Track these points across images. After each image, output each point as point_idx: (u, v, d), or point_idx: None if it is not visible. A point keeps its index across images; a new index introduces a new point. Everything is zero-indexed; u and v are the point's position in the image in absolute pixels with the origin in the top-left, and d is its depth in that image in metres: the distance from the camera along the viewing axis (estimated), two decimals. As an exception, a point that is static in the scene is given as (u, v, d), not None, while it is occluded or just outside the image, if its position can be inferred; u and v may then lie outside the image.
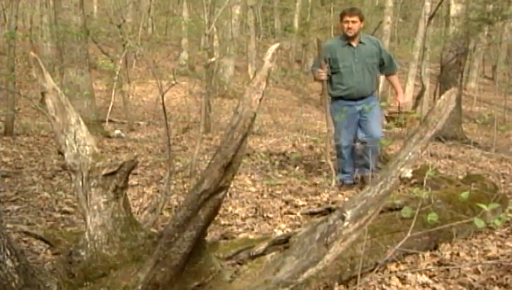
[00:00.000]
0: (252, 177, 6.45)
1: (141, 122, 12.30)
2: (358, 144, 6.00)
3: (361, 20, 5.85)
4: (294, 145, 9.30)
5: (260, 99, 1.92)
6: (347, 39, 5.88)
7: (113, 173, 2.39)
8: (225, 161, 1.94)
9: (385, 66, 6.05)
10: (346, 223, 2.09)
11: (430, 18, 11.02)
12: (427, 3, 15.95)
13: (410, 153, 2.12)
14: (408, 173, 2.12)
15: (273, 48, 2.01)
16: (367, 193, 2.11)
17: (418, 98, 11.00)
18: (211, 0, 10.44)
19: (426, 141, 2.16)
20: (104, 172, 2.39)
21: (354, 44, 5.87)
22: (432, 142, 10.38)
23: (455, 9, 11.75)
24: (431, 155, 8.75)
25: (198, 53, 15.26)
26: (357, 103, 5.91)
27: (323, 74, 5.84)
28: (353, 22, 5.76)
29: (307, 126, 13.33)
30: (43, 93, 2.58)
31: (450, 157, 8.90)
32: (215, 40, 17.17)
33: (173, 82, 4.60)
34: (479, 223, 2.48)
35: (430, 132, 2.19)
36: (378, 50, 5.96)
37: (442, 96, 2.30)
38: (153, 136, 10.39)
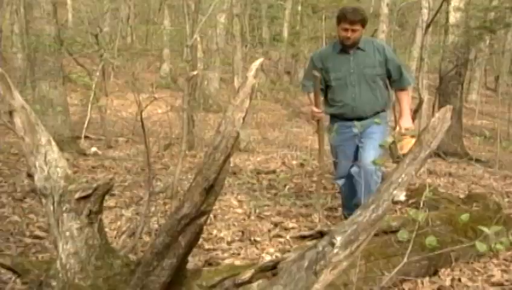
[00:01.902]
0: (239, 197, 6.44)
1: (120, 139, 12.27)
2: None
3: (364, 26, 5.04)
4: (283, 162, 9.30)
5: (243, 118, 1.93)
6: (342, 45, 5.13)
7: (86, 197, 2.38)
8: (207, 183, 1.94)
9: (392, 78, 5.22)
10: (336, 250, 2.09)
11: (428, 26, 11.11)
12: (425, 11, 16.09)
13: (403, 175, 2.13)
14: (401, 196, 2.12)
15: (256, 63, 2.02)
16: (358, 218, 2.12)
17: (415, 112, 11.02)
18: (194, 7, 10.49)
19: (421, 161, 2.18)
20: (77, 196, 2.38)
21: (350, 51, 5.12)
22: (431, 159, 10.45)
23: (454, 17, 11.85)
24: (430, 173, 8.77)
25: (180, 65, 15.27)
26: (353, 124, 5.09)
27: (318, 114, 5.21)
28: (353, 30, 4.98)
29: (297, 142, 13.35)
30: (10, 112, 2.57)
31: (450, 174, 8.93)
32: (199, 51, 17.21)
33: (154, 96, 4.60)
34: (481, 247, 2.49)
35: (425, 152, 2.20)
36: (383, 58, 5.12)
37: (437, 114, 2.32)
38: (132, 153, 10.35)
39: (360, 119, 5.15)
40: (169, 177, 7.33)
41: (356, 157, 5.24)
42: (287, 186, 7.06)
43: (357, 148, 5.25)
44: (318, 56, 5.32)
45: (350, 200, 5.37)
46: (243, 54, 17.49)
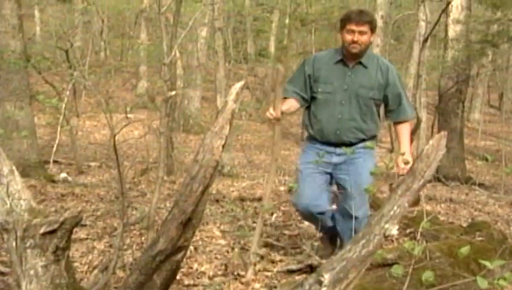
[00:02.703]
0: (221, 227, 6.43)
1: (92, 164, 12.21)
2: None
3: (373, 31, 4.71)
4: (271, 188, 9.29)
5: (223, 146, 1.93)
6: (343, 55, 4.79)
7: (53, 232, 2.37)
8: (183, 216, 1.94)
9: (389, 107, 4.87)
10: (324, 289, 2.09)
11: (425, 40, 11.21)
12: (422, 23, 16.24)
13: (395, 207, 2.14)
14: (394, 230, 2.13)
15: (237, 86, 2.03)
16: (347, 254, 2.12)
17: (412, 133, 11.07)
18: (173, 20, 10.51)
19: (413, 192, 2.19)
20: (42, 230, 2.36)
21: (349, 63, 4.77)
22: (431, 184, 10.49)
23: (454, 30, 11.95)
24: (429, 199, 8.80)
25: (158, 85, 15.30)
26: (335, 151, 4.78)
27: (275, 113, 4.58)
28: (361, 32, 4.62)
29: (286, 165, 13.34)
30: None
31: (451, 200, 8.96)
32: (179, 68, 17.25)
33: (129, 118, 4.59)
34: (482, 283, 2.48)
35: (418, 182, 2.21)
36: (384, 81, 4.76)
37: (431, 142, 2.34)
38: (105, 179, 10.31)
39: (342, 146, 4.70)
40: (146, 205, 7.30)
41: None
42: (274, 215, 7.05)
43: (330, 178, 4.90)
44: (312, 61, 4.91)
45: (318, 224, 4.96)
46: (226, 70, 17.52)
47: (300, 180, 4.86)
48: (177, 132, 13.21)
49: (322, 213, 4.88)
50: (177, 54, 16.19)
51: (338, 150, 4.77)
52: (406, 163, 4.58)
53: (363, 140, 4.80)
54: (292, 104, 4.86)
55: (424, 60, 13.72)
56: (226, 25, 21.95)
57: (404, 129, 4.92)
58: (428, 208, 8.08)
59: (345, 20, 4.71)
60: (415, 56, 17.22)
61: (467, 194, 9.87)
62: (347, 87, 4.74)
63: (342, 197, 4.86)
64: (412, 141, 11.37)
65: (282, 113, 4.66)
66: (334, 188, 5.05)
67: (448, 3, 11.30)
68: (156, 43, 19.48)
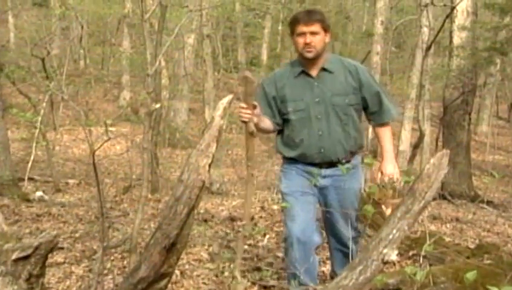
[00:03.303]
0: (210, 249, 6.41)
1: (70, 181, 12.18)
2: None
3: (327, 30, 4.51)
4: (263, 207, 9.27)
5: (210, 165, 1.93)
6: (302, 65, 4.57)
7: (26, 257, 2.35)
8: (167, 241, 1.92)
9: (369, 110, 4.66)
10: (320, 319, 2.08)
11: (428, 48, 11.20)
12: (425, 30, 16.23)
13: (394, 231, 2.13)
14: (393, 255, 2.12)
15: (224, 101, 2.03)
16: (343, 281, 2.11)
17: (415, 147, 11.10)
18: (158, 27, 10.52)
19: (414, 215, 2.18)
20: (14, 256, 2.35)
21: (313, 73, 4.55)
22: (435, 202, 10.50)
23: (459, 37, 11.99)
24: (434, 218, 8.80)
25: (140, 98, 15.28)
26: (320, 172, 4.58)
27: (247, 113, 4.04)
28: (312, 33, 4.43)
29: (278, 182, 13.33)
30: None
31: (457, 220, 8.96)
32: (164, 77, 17.25)
33: (110, 131, 4.58)
34: (490, 310, 2.47)
35: (419, 204, 2.21)
36: (357, 83, 4.57)
37: (432, 160, 2.34)
38: (85, 198, 10.28)
39: (329, 164, 4.57)
40: (128, 226, 7.28)
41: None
42: (267, 236, 7.04)
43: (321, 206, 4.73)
44: (271, 82, 4.66)
45: (299, 267, 4.53)
46: (215, 80, 17.57)
47: (287, 210, 4.62)
48: (162, 146, 13.23)
49: (315, 244, 4.65)
50: (162, 63, 16.20)
51: (324, 171, 4.58)
52: (391, 171, 4.54)
53: (351, 153, 4.63)
54: (267, 122, 4.59)
55: (427, 69, 13.74)
56: (214, 31, 22.03)
57: (388, 131, 4.72)
58: (432, 228, 8.08)
59: (293, 23, 4.50)
60: (418, 65, 17.19)
61: (474, 213, 9.87)
62: (319, 100, 4.51)
63: (331, 220, 4.74)
64: (415, 155, 11.46)
65: (256, 126, 4.14)
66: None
67: (453, 8, 11.32)
68: (140, 51, 19.50)
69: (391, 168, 4.56)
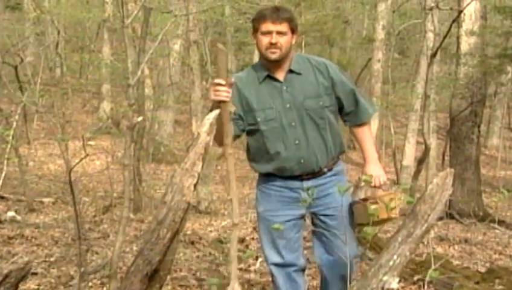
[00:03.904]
0: (197, 274, 6.40)
1: (45, 200, 12.13)
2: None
3: (294, 31, 4.40)
4: (255, 228, 9.26)
5: (195, 185, 1.92)
6: (267, 68, 4.43)
7: (-5, 285, 2.34)
8: (149, 267, 1.91)
9: (345, 110, 4.57)
10: None
11: (434, 55, 11.25)
12: (430, 35, 16.33)
13: (395, 257, 2.12)
14: (394, 283, 2.12)
15: (211, 116, 2.02)
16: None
17: (420, 163, 11.13)
18: (141, 32, 10.53)
19: (416, 239, 2.18)
20: (-19, 284, 2.33)
21: (279, 76, 4.42)
22: (442, 221, 10.49)
23: (467, 43, 12.02)
24: (441, 239, 8.81)
25: (122, 109, 15.25)
26: (302, 185, 4.45)
27: (224, 91, 3.91)
28: (280, 33, 4.30)
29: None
30: None
31: (466, 241, 8.96)
32: (148, 87, 17.24)
33: (89, 145, 4.58)
34: None
35: (421, 227, 2.21)
36: (329, 82, 4.47)
37: (435, 180, 2.33)
38: (61, 218, 10.24)
39: (311, 175, 4.47)
40: (108, 249, 7.26)
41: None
42: (260, 259, 7.02)
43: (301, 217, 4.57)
44: (234, 88, 4.27)
45: None
46: (203, 90, 17.56)
47: (266, 233, 4.55)
48: (145, 162, 13.18)
49: (300, 268, 4.60)
50: (146, 72, 16.21)
51: (306, 184, 4.44)
52: (376, 174, 4.41)
53: (333, 159, 4.52)
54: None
55: (432, 78, 13.80)
56: (202, 37, 22.01)
57: (367, 131, 4.64)
58: (439, 250, 8.09)
59: (259, 20, 4.35)
60: (422, 73, 17.23)
61: (484, 234, 9.88)
62: (290, 105, 4.38)
63: (324, 240, 4.55)
64: (419, 171, 11.47)
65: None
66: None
67: (460, 12, 11.37)
68: (122, 58, 19.45)
69: (376, 170, 4.47)
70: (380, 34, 18.84)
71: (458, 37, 12.23)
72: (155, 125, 18.75)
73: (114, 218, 9.94)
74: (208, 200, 11.67)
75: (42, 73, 17.78)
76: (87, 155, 3.91)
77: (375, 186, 4.37)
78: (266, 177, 4.55)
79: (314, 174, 4.45)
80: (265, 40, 4.30)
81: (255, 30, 4.38)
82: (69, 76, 25.09)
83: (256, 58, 25.70)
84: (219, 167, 16.01)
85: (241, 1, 16.26)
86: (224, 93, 3.87)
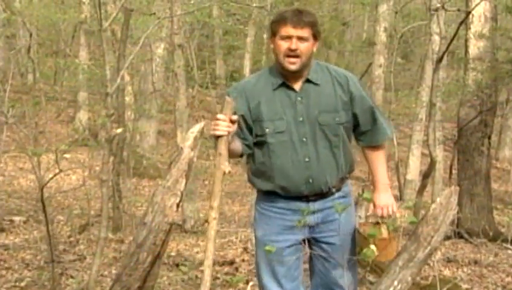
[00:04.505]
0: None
1: (16, 219, 12.09)
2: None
3: (317, 38, 4.34)
4: (246, 249, 9.26)
5: (178, 204, 1.91)
6: (283, 76, 4.36)
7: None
8: (128, 295, 1.90)
9: (360, 129, 4.50)
10: None
11: (440, 60, 11.25)
12: (436, 38, 16.34)
13: (395, 282, 2.12)
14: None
15: (195, 129, 2.01)
16: None
17: (425, 177, 11.12)
18: (121, 35, 10.52)
19: (418, 263, 2.18)
20: None
21: (295, 85, 4.36)
22: (450, 241, 10.49)
23: (476, 46, 12.01)
24: (448, 261, 8.80)
25: (100, 120, 15.20)
26: (309, 207, 4.37)
27: (224, 125, 3.94)
28: (301, 39, 4.23)
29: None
30: None
31: (476, 263, 8.96)
32: (128, 94, 17.21)
33: (64, 161, 4.56)
34: None
35: (423, 250, 2.20)
36: (348, 96, 4.40)
37: (438, 199, 2.33)
38: (33, 239, 10.21)
39: (318, 196, 4.40)
40: (85, 272, 7.23)
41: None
42: (251, 283, 7.01)
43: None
44: (241, 95, 4.36)
45: None
46: (189, 97, 17.56)
47: (264, 261, 4.46)
48: (126, 176, 13.15)
49: None
50: (126, 78, 16.19)
51: (313, 206, 4.37)
52: (386, 202, 4.36)
53: (342, 179, 4.46)
54: (237, 143, 4.30)
55: (438, 84, 13.81)
56: (188, 40, 22.03)
57: (381, 155, 4.57)
58: (446, 272, 8.08)
59: (278, 23, 4.27)
60: (428, 79, 17.25)
61: (496, 255, 9.88)
62: (303, 118, 4.31)
63: (322, 270, 4.49)
64: (425, 186, 11.48)
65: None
66: None
67: (468, 13, 11.36)
68: (100, 64, 19.45)
69: (386, 200, 4.40)
70: (382, 37, 18.85)
71: (466, 40, 12.21)
72: (136, 137, 18.76)
73: (91, 238, 9.91)
74: (194, 219, 11.66)
75: (13, 79, 17.73)
76: (61, 171, 3.90)
77: (382, 216, 4.33)
78: (267, 197, 4.47)
79: (322, 195, 4.38)
80: (284, 46, 4.22)
81: (273, 34, 4.30)
82: (42, 83, 25.01)
83: (246, 62, 25.79)
84: (206, 182, 16.00)
85: (231, 1, 16.24)
86: (223, 128, 3.87)
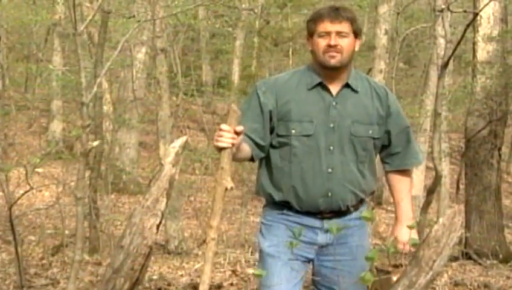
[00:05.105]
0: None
1: (-18, 239, 12.09)
2: None
3: (357, 35, 4.31)
4: (234, 272, 9.24)
5: (158, 225, 1.89)
6: (320, 75, 4.31)
7: None
8: (104, 326, 1.88)
9: (391, 150, 4.49)
10: None
11: (445, 65, 11.20)
12: (441, 41, 16.30)
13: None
14: None
15: (176, 144, 2.00)
16: None
17: (430, 193, 11.09)
18: (98, 38, 10.50)
19: None
20: None
21: (332, 88, 4.32)
22: (457, 262, 10.48)
23: (485, 50, 12.01)
24: (455, 285, 8.80)
25: (73, 133, 15.18)
26: (322, 225, 4.30)
27: (228, 137, 3.80)
28: (340, 34, 4.19)
29: (255, 238, 13.26)
30: None
31: (486, 286, 8.96)
32: (107, 103, 17.19)
33: (36, 176, 4.54)
34: None
35: (425, 276, 2.19)
36: (385, 110, 4.39)
37: (441, 220, 2.32)
38: (1, 262, 10.18)
39: (335, 213, 4.34)
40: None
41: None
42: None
43: (315, 272, 4.47)
44: (271, 90, 4.38)
45: None
46: (173, 107, 17.53)
47: (268, 271, 4.26)
48: (104, 192, 13.11)
49: None
50: (104, 85, 16.16)
51: (326, 223, 4.26)
52: (412, 228, 4.01)
53: (362, 200, 4.41)
54: (245, 149, 4.20)
55: (444, 91, 13.80)
56: (172, 43, 21.99)
57: (408, 182, 4.57)
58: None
59: (315, 20, 4.28)
60: (432, 86, 17.24)
61: (508, 278, 9.88)
62: (334, 125, 4.25)
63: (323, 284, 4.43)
64: (429, 203, 11.46)
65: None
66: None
67: (476, 14, 11.36)
68: (75, 70, 19.40)
69: (408, 234, 4.12)
70: (382, 40, 18.83)
71: (474, 44, 12.22)
72: (115, 149, 18.69)
73: (65, 260, 9.87)
74: (178, 239, 11.61)
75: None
76: (32, 188, 3.88)
77: (404, 253, 4.21)
78: (278, 209, 4.41)
79: (339, 213, 4.33)
80: (322, 43, 4.20)
81: (311, 34, 4.30)
82: (12, 90, 25.01)
83: (235, 68, 25.77)
84: (192, 198, 15.96)
85: (217, 3, 16.25)
86: (227, 140, 3.76)
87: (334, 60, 4.17)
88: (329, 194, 4.24)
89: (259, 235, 4.48)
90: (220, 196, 3.77)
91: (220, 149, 3.77)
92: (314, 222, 4.30)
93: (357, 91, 4.32)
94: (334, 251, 4.33)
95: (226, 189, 3.80)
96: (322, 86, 4.29)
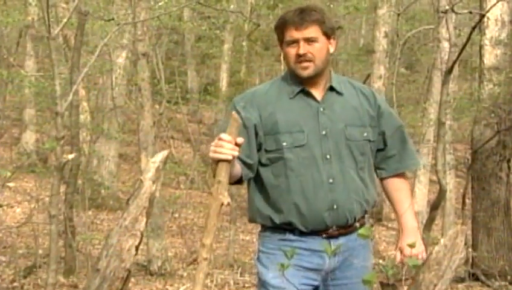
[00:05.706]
0: None
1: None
2: None
3: (329, 36, 4.23)
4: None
5: (137, 247, 1.89)
6: (299, 83, 4.28)
7: None
8: None
9: (387, 152, 4.44)
10: None
11: (450, 70, 11.22)
12: (445, 44, 16.32)
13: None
14: None
15: (157, 159, 2.01)
16: None
17: (433, 209, 11.09)
18: (75, 42, 10.49)
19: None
20: None
21: (316, 94, 4.29)
22: (464, 284, 10.48)
23: (492, 55, 12.02)
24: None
25: (45, 147, 15.12)
26: (330, 243, 4.09)
27: (229, 148, 3.68)
28: (308, 40, 4.15)
29: (245, 258, 13.29)
30: None
31: (494, 310, 8.97)
32: (84, 112, 17.17)
33: (6, 191, 4.53)
34: None
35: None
36: (375, 111, 4.38)
37: (443, 240, 2.33)
38: (-30, 284, 10.18)
39: (342, 229, 4.25)
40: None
41: None
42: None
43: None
44: (251, 103, 4.29)
45: None
46: (156, 115, 17.52)
47: None
48: (81, 208, 13.11)
49: None
50: (82, 93, 16.16)
51: (334, 243, 4.14)
52: (412, 246, 3.83)
53: (365, 213, 4.36)
54: (236, 166, 4.04)
55: (448, 99, 13.80)
56: (154, 47, 21.96)
57: (408, 189, 4.53)
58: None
59: (280, 27, 4.25)
60: (436, 93, 17.25)
61: (518, 300, 9.89)
62: (326, 132, 4.21)
63: None
64: (433, 219, 11.47)
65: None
66: None
67: (483, 16, 11.36)
68: (50, 75, 19.41)
69: (416, 247, 4.12)
70: (382, 44, 18.81)
71: (481, 48, 12.23)
72: (93, 162, 18.67)
73: (38, 283, 9.86)
74: (161, 259, 11.60)
75: None
76: (1, 206, 3.86)
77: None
78: (280, 234, 4.30)
79: (346, 228, 4.25)
80: (292, 52, 4.17)
81: (280, 41, 4.27)
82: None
83: (223, 74, 25.76)
84: (176, 215, 15.96)
85: (203, 4, 16.23)
86: (228, 151, 3.65)
87: (307, 71, 4.16)
88: (335, 206, 4.17)
89: (259, 264, 4.39)
90: (215, 212, 3.69)
91: (218, 161, 3.67)
92: (321, 243, 4.13)
93: (342, 93, 4.30)
94: (341, 275, 4.29)
95: (223, 204, 3.70)
96: (305, 92, 4.26)
